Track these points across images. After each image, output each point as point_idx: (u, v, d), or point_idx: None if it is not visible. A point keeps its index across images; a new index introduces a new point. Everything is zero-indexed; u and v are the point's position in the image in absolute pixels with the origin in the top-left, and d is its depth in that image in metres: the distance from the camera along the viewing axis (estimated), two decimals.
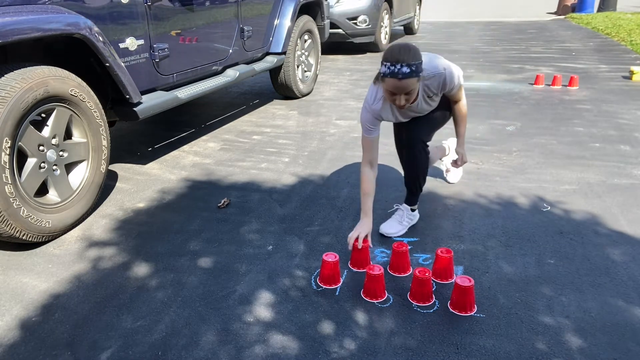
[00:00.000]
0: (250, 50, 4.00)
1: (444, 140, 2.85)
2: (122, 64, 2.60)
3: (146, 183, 2.95)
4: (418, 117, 2.23)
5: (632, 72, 5.27)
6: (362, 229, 2.07)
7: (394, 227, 2.31)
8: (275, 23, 4.32)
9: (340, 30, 7.04)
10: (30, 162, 2.19)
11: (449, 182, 2.84)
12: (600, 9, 11.87)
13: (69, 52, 2.56)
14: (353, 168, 3.11)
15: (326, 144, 3.57)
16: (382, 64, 1.86)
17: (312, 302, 1.85)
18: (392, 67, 1.81)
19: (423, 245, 2.23)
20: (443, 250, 1.96)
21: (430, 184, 2.83)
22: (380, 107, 2.08)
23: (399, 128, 2.30)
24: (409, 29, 9.65)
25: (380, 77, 1.91)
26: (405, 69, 1.80)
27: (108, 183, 2.94)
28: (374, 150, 2.14)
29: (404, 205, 2.36)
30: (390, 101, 1.95)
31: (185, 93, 3.15)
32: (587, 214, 2.46)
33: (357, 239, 2.04)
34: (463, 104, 2.25)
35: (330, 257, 1.94)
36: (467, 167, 3.04)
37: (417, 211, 2.39)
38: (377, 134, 2.13)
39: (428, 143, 2.24)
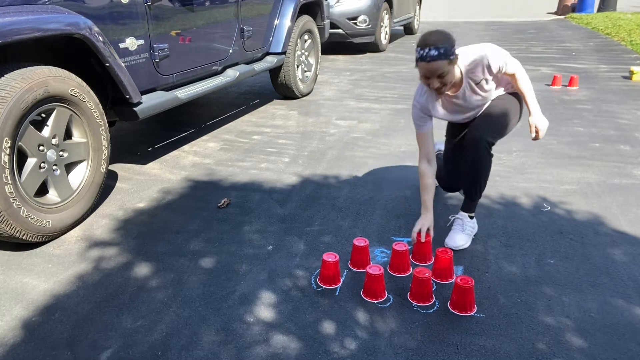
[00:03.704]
0: (250, 50, 4.00)
1: None
2: (122, 64, 2.60)
3: (146, 183, 2.95)
4: (480, 115, 2.18)
5: (632, 72, 5.27)
6: (425, 223, 2.09)
7: (462, 238, 2.16)
8: (275, 23, 4.32)
9: (340, 30, 7.04)
10: (30, 162, 2.19)
11: None
12: (600, 9, 11.87)
13: (69, 52, 2.57)
14: (353, 168, 3.11)
15: (326, 144, 3.57)
16: (415, 50, 1.94)
17: (312, 302, 1.85)
18: (421, 51, 1.88)
19: None
20: (443, 250, 1.96)
21: None
22: (425, 100, 2.13)
23: (459, 130, 2.34)
24: (409, 29, 9.65)
25: (416, 64, 1.96)
26: (433, 52, 1.85)
27: (108, 183, 2.94)
28: (429, 144, 2.15)
29: (462, 213, 2.22)
30: (425, 85, 2.00)
31: (185, 93, 3.15)
32: (587, 214, 2.46)
33: (419, 233, 2.07)
34: (518, 76, 2.07)
35: (330, 257, 1.94)
36: None
37: (475, 220, 2.24)
38: (428, 128, 2.15)
39: (494, 143, 2.17)
